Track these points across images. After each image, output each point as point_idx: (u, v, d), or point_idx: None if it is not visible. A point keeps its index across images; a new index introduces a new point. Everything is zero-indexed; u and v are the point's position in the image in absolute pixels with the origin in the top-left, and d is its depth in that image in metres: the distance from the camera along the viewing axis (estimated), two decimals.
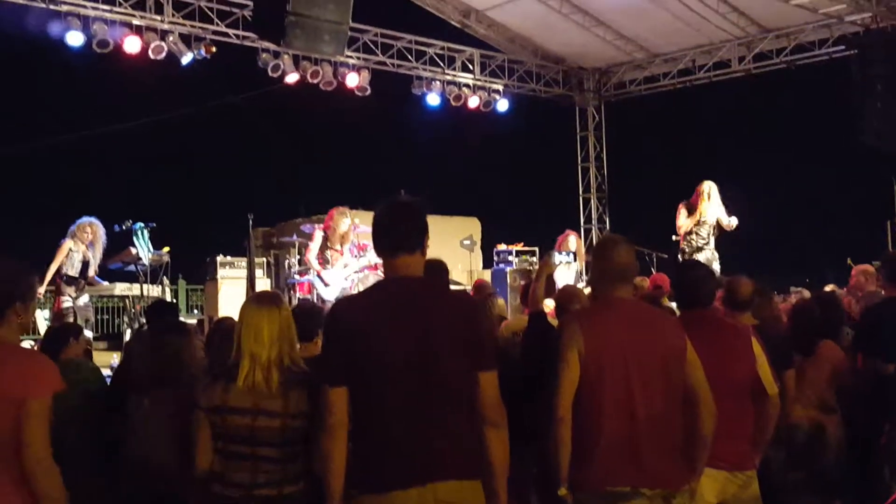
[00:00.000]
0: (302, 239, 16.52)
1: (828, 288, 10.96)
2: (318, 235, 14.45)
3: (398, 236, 4.25)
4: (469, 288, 13.44)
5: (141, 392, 5.39)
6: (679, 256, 13.64)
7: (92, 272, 13.70)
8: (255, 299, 4.70)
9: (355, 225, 16.40)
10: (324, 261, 14.36)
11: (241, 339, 4.52)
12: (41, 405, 4.02)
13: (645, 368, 4.55)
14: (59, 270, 13.28)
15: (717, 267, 13.25)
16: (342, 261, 14.39)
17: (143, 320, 11.94)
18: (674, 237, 13.96)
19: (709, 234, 13.73)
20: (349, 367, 4.06)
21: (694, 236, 13.72)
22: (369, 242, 16.29)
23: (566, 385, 4.55)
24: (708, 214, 13.67)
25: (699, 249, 13.61)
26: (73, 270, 13.35)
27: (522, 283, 13.95)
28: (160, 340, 5.56)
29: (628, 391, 4.52)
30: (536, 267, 18.59)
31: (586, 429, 4.54)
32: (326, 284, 14.28)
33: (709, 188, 13.76)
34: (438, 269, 6.52)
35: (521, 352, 6.59)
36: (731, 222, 13.67)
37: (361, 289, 14.75)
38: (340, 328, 4.16)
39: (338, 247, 14.35)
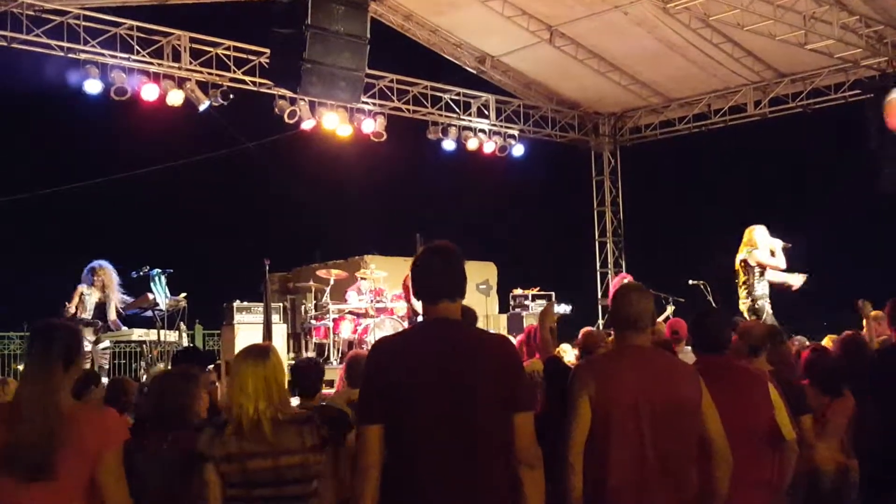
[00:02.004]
0: (318, 284, 16.55)
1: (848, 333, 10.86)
2: None
3: (440, 285, 4.27)
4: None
5: (138, 435, 5.32)
6: (760, 303, 13.50)
7: (113, 315, 13.78)
8: (242, 353, 4.76)
9: (371, 270, 16.46)
10: None
11: (230, 394, 4.64)
12: (117, 454, 4.23)
13: (657, 416, 4.51)
14: (73, 315, 13.36)
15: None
16: None
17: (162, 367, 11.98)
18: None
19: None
20: (385, 406, 4.06)
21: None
22: (385, 287, 16.34)
23: (576, 431, 4.53)
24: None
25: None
26: (86, 314, 13.42)
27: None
28: (163, 383, 5.56)
29: (639, 438, 4.49)
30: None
31: (597, 475, 4.51)
32: None
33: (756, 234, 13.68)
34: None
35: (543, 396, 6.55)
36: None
37: (378, 333, 14.91)
38: (378, 368, 4.18)
39: None
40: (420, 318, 12.88)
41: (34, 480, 4.06)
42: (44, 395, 4.16)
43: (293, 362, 11.44)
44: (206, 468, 4.48)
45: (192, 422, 5.22)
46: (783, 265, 13.51)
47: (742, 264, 13.54)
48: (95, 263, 13.78)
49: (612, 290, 13.98)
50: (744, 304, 13.46)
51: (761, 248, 13.51)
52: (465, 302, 4.39)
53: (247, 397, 4.50)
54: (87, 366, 12.42)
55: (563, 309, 18.16)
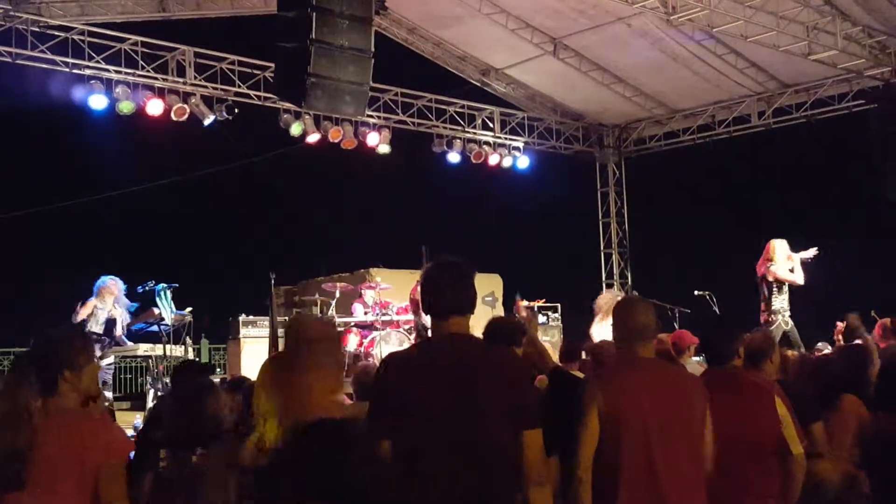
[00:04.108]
0: (324, 297, 16.55)
1: (856, 342, 10.89)
2: None
3: (450, 301, 4.27)
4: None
5: (178, 447, 5.21)
6: (774, 317, 13.47)
7: (119, 331, 13.76)
8: (269, 361, 4.71)
9: (376, 283, 16.46)
10: None
11: (256, 401, 4.58)
12: (119, 466, 4.21)
13: (666, 427, 4.52)
14: (82, 323, 13.33)
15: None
16: None
17: (168, 381, 11.97)
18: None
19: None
20: (393, 422, 4.08)
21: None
22: (391, 300, 16.33)
23: (585, 445, 4.54)
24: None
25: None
26: (97, 327, 13.42)
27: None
28: (192, 398, 5.48)
29: (648, 450, 4.49)
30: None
31: (607, 488, 4.51)
32: None
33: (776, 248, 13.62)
34: (517, 330, 6.47)
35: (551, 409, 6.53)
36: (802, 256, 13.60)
37: (384, 346, 14.90)
38: (388, 384, 4.19)
39: None
40: (428, 332, 12.90)
41: (7, 492, 4.05)
42: (11, 412, 4.12)
43: None
44: (229, 478, 4.48)
45: (225, 432, 5.16)
46: (801, 280, 13.47)
47: (761, 279, 13.53)
48: (109, 278, 13.79)
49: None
50: (762, 317, 13.47)
51: (779, 262, 13.48)
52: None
53: (272, 410, 4.48)
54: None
55: (542, 319, 18.31)
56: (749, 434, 4.96)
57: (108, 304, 13.65)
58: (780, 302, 13.46)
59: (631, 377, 4.68)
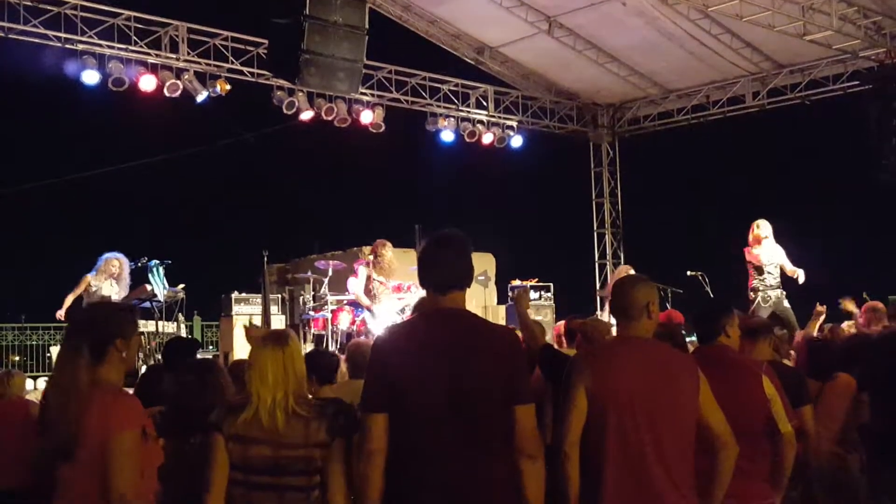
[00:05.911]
0: (317, 275, 16.53)
1: (844, 325, 10.96)
2: (362, 271, 14.26)
3: (451, 275, 4.29)
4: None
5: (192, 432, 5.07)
6: (753, 295, 13.57)
7: None
8: (261, 340, 4.69)
9: (369, 261, 16.43)
10: (370, 295, 14.19)
11: (248, 379, 4.54)
12: (122, 440, 4.13)
13: (654, 407, 4.50)
14: (79, 304, 13.31)
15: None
16: (389, 294, 14.21)
17: (160, 358, 11.95)
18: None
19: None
20: (389, 395, 4.10)
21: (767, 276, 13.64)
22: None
23: (572, 422, 4.52)
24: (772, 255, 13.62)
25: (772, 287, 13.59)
26: None
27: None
28: (202, 380, 5.42)
29: (634, 428, 4.47)
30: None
31: (594, 466, 4.50)
32: (375, 318, 14.08)
33: (753, 227, 13.70)
34: (533, 331, 6.54)
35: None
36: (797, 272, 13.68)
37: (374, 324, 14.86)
38: (384, 357, 4.21)
39: (383, 279, 14.18)
40: (373, 316, 12.76)
41: (62, 462, 4.12)
42: (62, 381, 4.21)
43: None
44: (218, 439, 4.45)
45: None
46: (764, 258, 13.53)
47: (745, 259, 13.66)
48: (112, 255, 13.74)
49: (610, 283, 13.82)
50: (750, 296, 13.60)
51: (751, 243, 13.59)
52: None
53: (266, 387, 4.43)
54: None
55: (535, 295, 18.36)
56: (735, 413, 4.91)
57: (104, 281, 13.59)
58: (758, 281, 13.57)
59: (619, 355, 4.67)
